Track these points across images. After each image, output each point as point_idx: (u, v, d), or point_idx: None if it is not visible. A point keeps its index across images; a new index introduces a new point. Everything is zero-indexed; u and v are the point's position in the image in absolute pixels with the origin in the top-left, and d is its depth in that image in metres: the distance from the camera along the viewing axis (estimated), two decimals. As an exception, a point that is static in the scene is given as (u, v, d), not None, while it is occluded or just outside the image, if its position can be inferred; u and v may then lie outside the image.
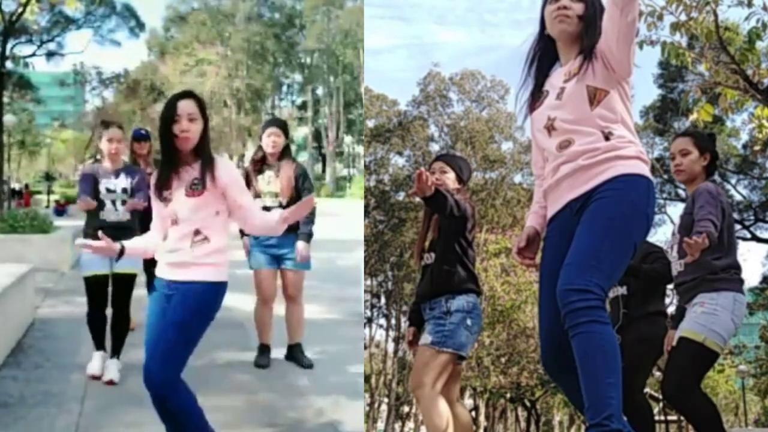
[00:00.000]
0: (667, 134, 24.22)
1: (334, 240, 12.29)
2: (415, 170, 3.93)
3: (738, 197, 24.72)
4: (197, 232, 3.16)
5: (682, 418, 12.90)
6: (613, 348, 2.36)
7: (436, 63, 52.79)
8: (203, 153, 3.22)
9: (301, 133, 47.27)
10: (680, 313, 3.61)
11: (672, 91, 24.95)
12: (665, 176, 23.74)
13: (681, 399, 3.38)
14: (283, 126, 5.42)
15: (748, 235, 24.00)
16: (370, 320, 29.84)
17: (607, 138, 2.54)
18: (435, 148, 30.47)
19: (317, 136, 47.87)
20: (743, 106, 7.25)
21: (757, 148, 10.53)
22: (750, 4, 6.56)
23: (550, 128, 2.63)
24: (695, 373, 3.40)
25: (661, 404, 18.34)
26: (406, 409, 29.78)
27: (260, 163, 5.32)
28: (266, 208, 5.09)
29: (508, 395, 26.68)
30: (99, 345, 5.02)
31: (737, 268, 3.50)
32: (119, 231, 4.90)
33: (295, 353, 5.49)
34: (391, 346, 29.89)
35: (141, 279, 6.07)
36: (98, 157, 5.18)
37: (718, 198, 3.43)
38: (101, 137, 4.99)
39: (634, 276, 4.11)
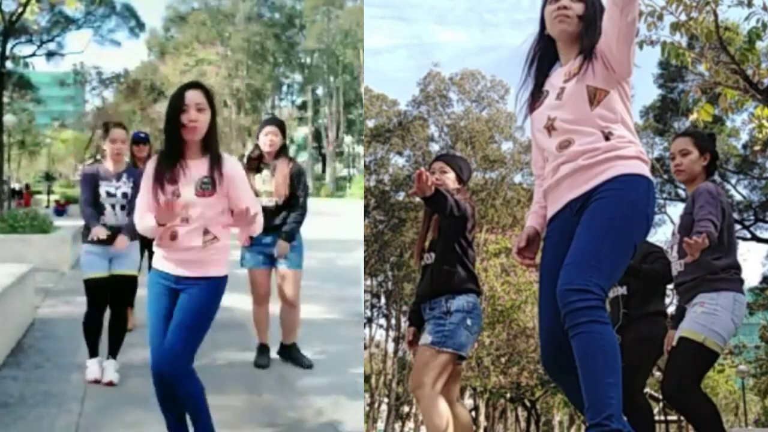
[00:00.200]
0: (667, 134, 24.23)
1: (334, 240, 12.29)
2: (415, 170, 3.93)
3: (738, 197, 24.73)
4: (206, 232, 3.23)
5: (682, 418, 12.90)
6: (613, 348, 2.36)
7: (436, 63, 52.88)
8: (211, 147, 3.24)
9: (301, 133, 47.30)
10: (680, 313, 3.62)
11: (672, 91, 24.95)
12: (665, 176, 23.74)
13: (681, 399, 3.38)
14: (280, 125, 5.38)
15: (748, 235, 24.01)
16: (370, 320, 29.85)
17: (607, 138, 2.55)
18: (435, 148, 30.49)
19: (317, 136, 47.88)
20: (743, 106, 7.25)
21: (757, 148, 10.53)
22: (750, 4, 6.56)
23: (550, 128, 2.63)
24: (695, 373, 3.40)
25: (661, 404, 18.34)
26: (406, 409, 29.79)
27: (257, 162, 5.30)
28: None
29: (508, 395, 26.68)
30: (93, 352, 5.01)
31: (737, 268, 3.50)
32: (118, 232, 4.90)
33: (293, 354, 5.48)
34: (391, 346, 29.91)
35: (141, 279, 6.08)
36: (98, 157, 5.16)
37: (718, 198, 3.43)
38: (104, 137, 4.98)
39: (634, 276, 4.11)
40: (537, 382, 24.35)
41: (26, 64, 23.17)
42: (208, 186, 3.20)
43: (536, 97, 2.74)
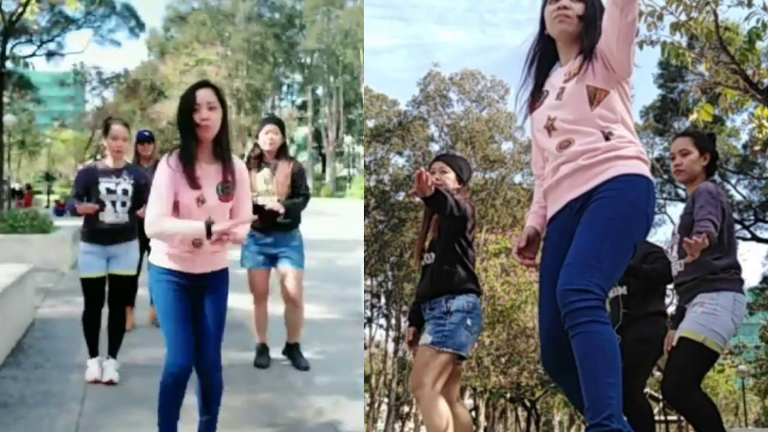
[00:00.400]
0: (667, 134, 24.23)
1: (334, 240, 12.29)
2: (415, 170, 3.93)
3: (738, 197, 24.73)
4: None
5: (682, 418, 12.90)
6: (613, 348, 2.36)
7: (436, 63, 52.92)
8: (224, 148, 3.26)
9: (301, 133, 47.30)
10: (680, 313, 3.61)
11: (672, 91, 24.96)
12: (665, 176, 23.74)
13: (681, 399, 3.38)
14: (280, 123, 5.38)
15: (748, 235, 24.01)
16: (370, 320, 29.85)
17: (607, 138, 2.55)
18: (435, 148, 30.50)
19: (317, 136, 47.89)
20: (743, 106, 7.25)
21: (757, 148, 10.52)
22: (750, 4, 6.56)
23: (550, 128, 2.63)
24: (695, 373, 3.39)
25: (661, 404, 18.34)
26: (406, 409, 29.79)
27: (257, 161, 5.31)
28: (260, 207, 5.11)
29: (508, 395, 26.68)
30: (93, 351, 5.01)
31: (737, 268, 3.50)
32: (118, 232, 4.91)
33: (292, 354, 5.49)
34: (391, 346, 29.91)
35: (141, 279, 6.08)
36: (98, 157, 5.16)
37: (718, 198, 3.43)
38: (106, 134, 4.97)
39: (634, 276, 4.11)
40: (537, 382, 24.35)
41: (26, 64, 23.15)
42: (229, 190, 3.26)
43: (536, 97, 2.73)
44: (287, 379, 5.19)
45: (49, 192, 38.06)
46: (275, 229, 5.20)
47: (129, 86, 41.60)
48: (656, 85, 25.72)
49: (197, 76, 37.70)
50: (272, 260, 5.31)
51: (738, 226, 22.29)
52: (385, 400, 28.84)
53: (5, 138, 28.09)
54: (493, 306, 22.94)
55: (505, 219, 27.94)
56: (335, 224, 16.10)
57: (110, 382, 4.87)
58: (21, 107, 36.70)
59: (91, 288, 4.90)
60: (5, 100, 28.65)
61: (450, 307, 3.64)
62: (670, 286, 4.04)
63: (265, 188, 5.21)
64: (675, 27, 6.47)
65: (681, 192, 24.12)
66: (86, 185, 4.90)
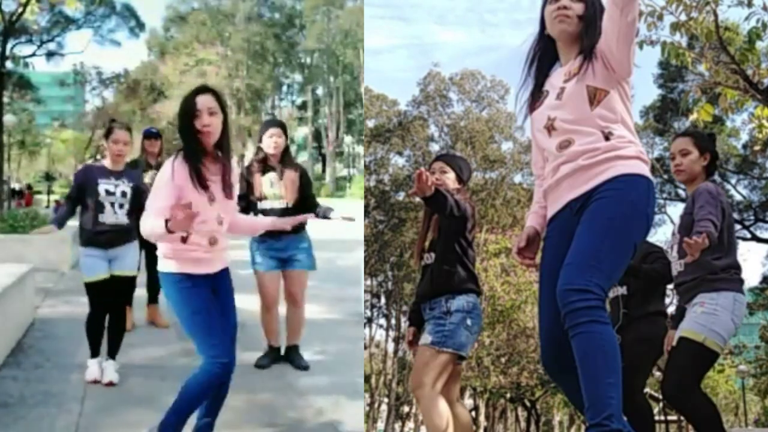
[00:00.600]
0: (667, 134, 24.23)
1: (334, 240, 12.29)
2: (415, 170, 3.93)
3: (738, 197, 24.73)
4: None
5: (682, 418, 12.90)
6: (613, 348, 2.36)
7: (436, 63, 52.90)
8: (225, 150, 3.32)
9: (301, 133, 47.32)
10: (680, 313, 3.61)
11: (672, 91, 24.96)
12: (665, 176, 23.74)
13: (681, 399, 3.38)
14: (283, 127, 5.42)
15: (748, 235, 24.01)
16: (370, 320, 29.85)
17: (607, 138, 2.54)
18: (435, 148, 30.49)
19: (317, 136, 47.89)
20: (743, 106, 7.25)
21: (757, 148, 10.52)
22: (750, 4, 6.56)
23: (550, 128, 2.63)
24: (695, 373, 3.39)
25: (661, 404, 18.34)
26: (406, 409, 29.79)
27: (262, 164, 5.31)
28: (265, 211, 5.12)
29: (508, 395, 26.68)
30: (95, 352, 5.01)
31: (737, 268, 3.50)
32: (118, 233, 4.91)
33: (291, 355, 5.49)
34: (391, 346, 29.91)
35: (140, 279, 6.08)
36: (98, 157, 5.16)
37: (718, 198, 3.43)
38: (107, 136, 4.97)
39: (634, 276, 4.11)
40: (537, 382, 24.34)
41: (26, 64, 23.14)
42: (230, 189, 3.35)
43: (536, 97, 2.73)
44: (287, 379, 5.19)
45: (49, 192, 38.07)
46: (285, 233, 5.22)
47: (129, 86, 41.62)
48: (656, 85, 25.75)
49: (197, 76, 37.79)
50: (283, 263, 5.32)
51: (738, 226, 22.28)
52: (385, 400, 28.84)
53: (5, 138, 28.10)
54: (493, 306, 22.94)
55: (505, 219, 27.94)
56: (335, 224, 16.07)
57: (110, 384, 4.87)
58: (21, 107, 36.72)
59: (96, 291, 4.89)
60: (5, 100, 28.66)
61: (450, 307, 3.64)
62: (670, 286, 4.04)
63: (272, 192, 5.23)
64: (675, 27, 6.47)
65: (681, 192, 24.12)
66: (84, 185, 4.91)
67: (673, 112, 24.41)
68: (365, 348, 26.18)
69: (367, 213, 28.55)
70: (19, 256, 9.26)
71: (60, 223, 4.99)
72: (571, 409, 29.91)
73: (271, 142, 5.26)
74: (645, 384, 4.35)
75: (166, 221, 3.00)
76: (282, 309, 5.50)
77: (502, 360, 23.84)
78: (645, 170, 2.57)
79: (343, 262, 11.47)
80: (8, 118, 29.33)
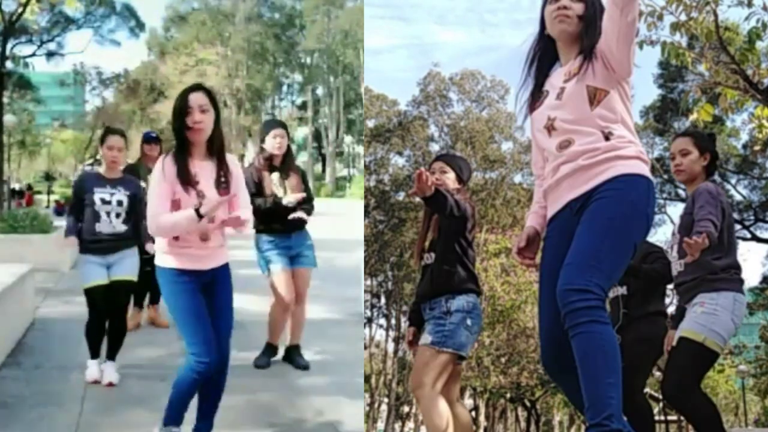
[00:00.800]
0: (667, 134, 24.22)
1: (334, 240, 12.29)
2: (415, 170, 3.93)
3: (738, 197, 24.72)
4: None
5: (682, 418, 12.90)
6: (613, 348, 2.36)
7: (436, 63, 52.87)
8: (218, 147, 3.37)
9: (301, 133, 47.30)
10: (680, 313, 3.61)
11: (672, 91, 24.95)
12: (665, 176, 23.73)
13: (681, 399, 3.38)
14: (285, 127, 5.48)
15: (748, 235, 24.00)
16: (370, 320, 29.83)
17: (607, 138, 2.55)
18: (435, 148, 30.48)
19: (317, 136, 47.88)
20: (743, 106, 7.25)
21: (757, 148, 10.52)
22: (750, 4, 6.56)
23: (550, 128, 2.63)
24: (695, 373, 3.39)
25: (661, 404, 18.34)
26: (406, 409, 29.78)
27: (268, 163, 5.33)
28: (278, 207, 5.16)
29: (508, 395, 26.67)
30: (95, 354, 5.01)
31: (737, 268, 3.50)
32: (116, 242, 4.90)
33: (292, 354, 5.49)
34: (391, 346, 29.90)
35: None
36: (98, 157, 5.16)
37: (718, 198, 3.43)
38: (102, 143, 4.98)
39: (634, 276, 4.11)
40: (537, 382, 24.34)
41: (26, 64, 23.18)
42: (226, 184, 3.37)
43: (536, 97, 2.73)
44: (287, 379, 5.19)
45: (49, 192, 38.04)
46: (295, 230, 5.29)
47: (129, 86, 41.62)
48: (656, 85, 25.74)
49: (197, 76, 37.79)
50: (291, 261, 5.34)
51: (738, 226, 22.28)
52: (385, 400, 28.84)
53: (5, 138, 28.07)
54: (493, 306, 22.93)
55: (505, 219, 27.93)
56: (335, 224, 16.08)
57: (110, 384, 4.87)
58: (21, 107, 36.71)
59: (95, 297, 4.88)
60: (5, 100, 28.66)
61: (450, 307, 3.64)
62: (670, 286, 4.04)
63: (280, 191, 5.26)
64: (675, 27, 6.46)
65: (681, 192, 24.12)
66: (81, 194, 4.92)
67: (673, 112, 24.40)
68: (365, 348, 26.18)
69: (367, 213, 28.56)
70: (19, 256, 9.25)
71: (76, 232, 4.97)
72: (571, 409, 29.90)
73: (275, 143, 5.28)
74: (645, 384, 4.35)
75: (196, 209, 3.18)
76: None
77: (502, 360, 23.84)
78: (645, 170, 2.57)
79: (343, 262, 11.46)
80: (8, 118, 29.30)
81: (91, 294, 4.88)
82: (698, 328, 3.37)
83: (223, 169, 3.36)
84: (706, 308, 3.39)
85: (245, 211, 3.42)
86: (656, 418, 10.62)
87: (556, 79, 2.69)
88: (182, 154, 3.31)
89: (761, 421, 31.37)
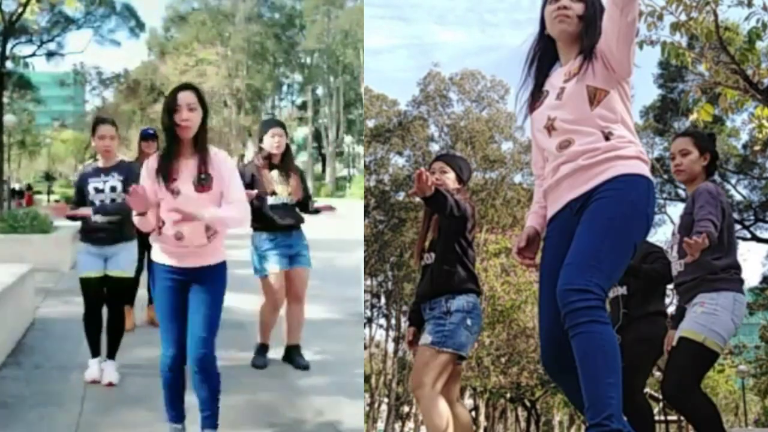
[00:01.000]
0: (667, 134, 24.22)
1: (334, 240, 12.29)
2: (415, 170, 3.93)
3: (738, 197, 24.72)
4: (207, 228, 3.41)
5: (682, 418, 12.90)
6: (613, 348, 2.36)
7: (436, 63, 52.81)
8: (201, 144, 3.41)
9: (301, 133, 47.27)
10: (680, 313, 3.61)
11: (672, 91, 24.95)
12: (665, 176, 23.73)
13: (681, 399, 3.38)
14: (283, 126, 5.48)
15: (748, 235, 24.00)
16: (370, 320, 29.84)
17: (607, 138, 2.54)
18: (435, 148, 30.48)
19: (317, 136, 47.85)
20: (743, 106, 7.25)
21: (757, 148, 10.53)
22: (750, 4, 6.56)
23: (550, 128, 2.63)
24: (695, 373, 3.39)
25: (661, 404, 18.34)
26: (406, 409, 29.78)
27: (267, 161, 5.34)
28: (278, 206, 5.18)
29: (508, 395, 26.68)
30: (95, 351, 5.01)
31: (737, 268, 3.50)
32: (112, 231, 4.90)
33: (292, 354, 5.48)
34: (391, 346, 29.90)
35: (141, 280, 6.07)
36: (97, 157, 5.16)
37: (718, 198, 3.43)
38: (94, 133, 4.98)
39: (634, 276, 4.11)
40: (537, 382, 24.34)
41: (26, 64, 23.18)
42: (206, 181, 3.38)
43: (536, 97, 2.73)
44: (287, 379, 5.19)
45: (49, 192, 38.05)
46: (292, 228, 5.31)
47: (129, 86, 41.61)
48: (656, 85, 25.74)
49: (197, 76, 37.81)
50: (291, 260, 5.35)
51: (738, 226, 22.28)
52: (385, 400, 28.84)
53: (5, 138, 28.09)
54: (493, 306, 22.94)
55: (505, 219, 27.94)
56: (335, 224, 16.08)
57: (110, 384, 4.86)
58: (21, 107, 36.70)
59: (89, 288, 4.90)
60: (5, 100, 28.67)
61: (450, 307, 3.64)
62: (670, 286, 4.04)
63: (280, 189, 5.26)
64: (675, 27, 6.47)
65: (681, 192, 24.11)
66: (79, 188, 4.96)
67: (673, 112, 24.40)
68: (365, 348, 26.18)
69: (367, 213, 28.55)
70: (19, 256, 9.25)
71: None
72: (571, 409, 29.90)
73: (273, 142, 5.29)
74: (645, 384, 4.35)
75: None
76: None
77: (502, 360, 23.85)
78: (645, 170, 2.56)
79: (343, 262, 11.46)
80: (8, 118, 29.31)
81: (86, 285, 4.91)
82: (698, 328, 3.37)
83: (203, 165, 3.39)
84: (706, 308, 3.39)
85: (232, 207, 3.39)
86: (656, 418, 10.61)
87: (556, 79, 2.69)
88: (168, 150, 3.41)
89: (761, 421, 31.37)
